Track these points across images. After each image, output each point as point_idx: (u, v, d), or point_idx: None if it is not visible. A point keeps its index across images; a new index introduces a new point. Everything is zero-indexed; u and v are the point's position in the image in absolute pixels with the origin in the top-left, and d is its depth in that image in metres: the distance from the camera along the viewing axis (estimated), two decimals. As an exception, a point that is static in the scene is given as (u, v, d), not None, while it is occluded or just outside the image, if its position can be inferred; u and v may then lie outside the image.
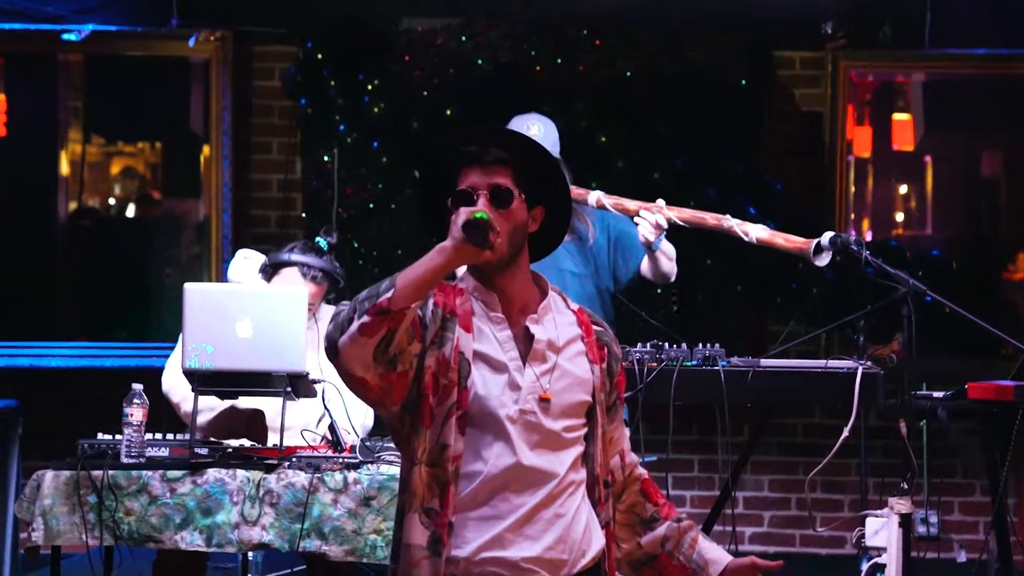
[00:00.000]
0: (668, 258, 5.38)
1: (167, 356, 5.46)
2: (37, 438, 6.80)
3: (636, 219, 5.26)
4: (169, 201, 9.06)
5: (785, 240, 5.05)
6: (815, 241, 4.95)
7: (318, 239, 5.34)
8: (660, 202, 5.25)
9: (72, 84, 8.72)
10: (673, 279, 5.52)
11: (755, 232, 5.12)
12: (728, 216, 5.19)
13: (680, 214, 5.23)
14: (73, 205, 8.71)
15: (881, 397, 4.93)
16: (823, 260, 4.97)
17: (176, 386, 5.11)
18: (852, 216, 8.07)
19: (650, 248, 5.28)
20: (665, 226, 5.21)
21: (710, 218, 5.25)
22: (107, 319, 8.38)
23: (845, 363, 4.99)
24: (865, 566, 5.32)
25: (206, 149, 8.26)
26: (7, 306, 8.34)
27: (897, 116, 8.76)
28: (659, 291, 7.19)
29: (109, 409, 5.20)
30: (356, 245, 7.72)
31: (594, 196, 5.37)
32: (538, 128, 5.55)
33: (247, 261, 5.52)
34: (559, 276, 5.49)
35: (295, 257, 5.27)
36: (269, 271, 5.30)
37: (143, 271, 8.54)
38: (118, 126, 8.99)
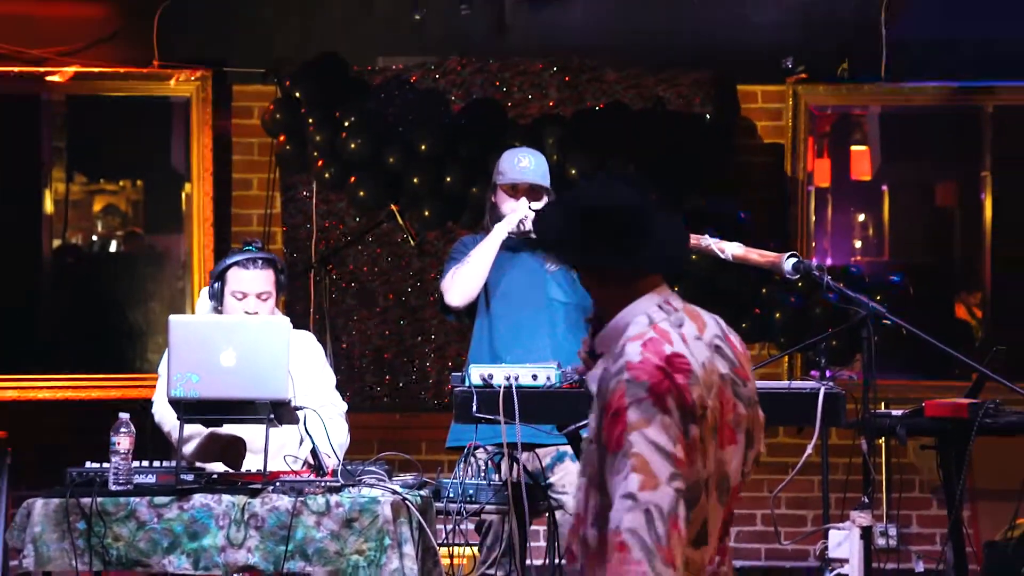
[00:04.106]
0: None
1: (151, 387, 5.49)
2: (25, 468, 6.81)
3: None
4: (151, 237, 9.08)
5: (759, 255, 5.12)
6: (786, 255, 5.02)
7: (245, 247, 5.40)
8: None
9: (55, 124, 8.73)
10: None
11: (731, 249, 5.17)
12: (706, 235, 5.26)
13: None
14: (57, 242, 8.72)
15: (843, 416, 4.97)
16: (792, 274, 5.04)
17: (166, 416, 5.15)
18: (813, 243, 8.14)
19: None
20: None
21: (691, 238, 5.31)
22: (92, 352, 8.38)
23: (808, 384, 5.03)
24: (829, 577, 5.39)
25: (187, 186, 8.29)
26: (-5, 340, 8.36)
27: (855, 147, 8.85)
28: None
29: (95, 439, 5.23)
30: (335, 277, 7.76)
31: None
32: (528, 160, 5.65)
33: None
34: (548, 305, 5.58)
35: (230, 259, 5.33)
36: (216, 288, 5.34)
37: (127, 305, 8.55)
38: (100, 165, 9.01)
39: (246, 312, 5.26)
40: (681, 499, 2.74)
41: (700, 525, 2.82)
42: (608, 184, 3.01)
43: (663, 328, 2.86)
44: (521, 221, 5.58)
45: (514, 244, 5.67)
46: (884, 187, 8.90)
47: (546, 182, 5.67)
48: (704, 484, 2.81)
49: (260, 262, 5.31)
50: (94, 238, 9.13)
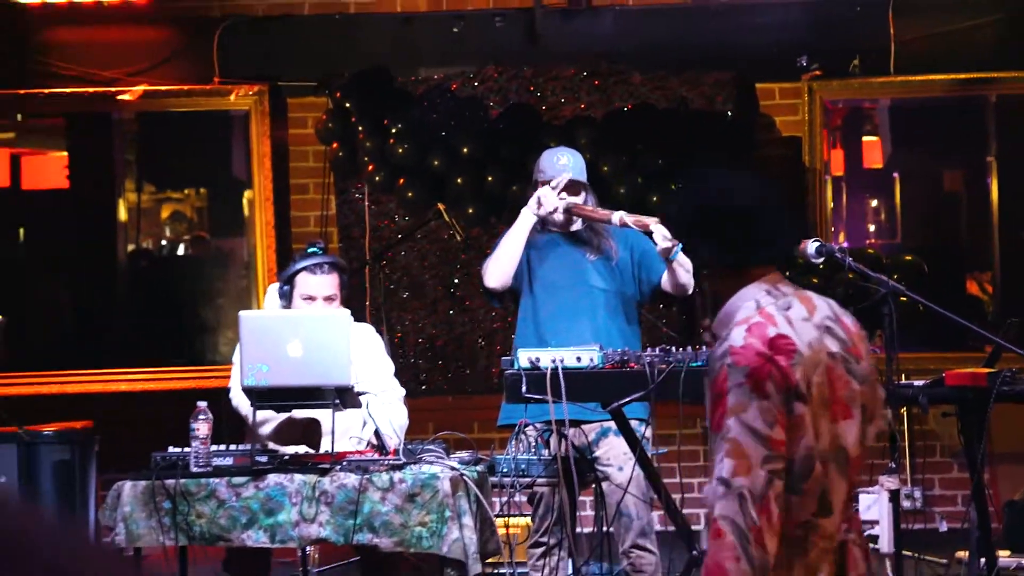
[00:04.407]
0: (685, 270, 5.39)
1: (223, 377, 5.50)
2: (111, 454, 6.84)
3: (652, 226, 5.26)
4: (216, 240, 9.11)
5: None
6: (809, 241, 4.96)
7: (310, 249, 5.39)
8: None
9: (126, 139, 8.77)
10: (690, 291, 5.52)
11: None
12: None
13: None
14: (131, 247, 8.76)
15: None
16: (816, 258, 4.98)
17: (242, 403, 5.16)
18: (832, 229, 8.10)
19: (668, 259, 5.30)
20: None
21: None
22: (167, 347, 8.42)
23: (834, 358, 4.97)
24: (859, 539, 5.34)
25: (248, 192, 8.31)
26: (79, 338, 8.40)
27: (867, 138, 8.80)
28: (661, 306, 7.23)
29: (175, 426, 5.24)
30: (388, 272, 7.77)
31: (616, 216, 5.36)
32: (567, 158, 5.62)
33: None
34: (588, 292, 5.55)
35: (299, 264, 5.33)
36: (286, 290, 5.34)
37: (197, 303, 8.58)
38: (168, 175, 9.05)
39: None
40: (775, 480, 2.72)
41: (819, 495, 2.80)
42: (723, 182, 3.02)
43: (769, 312, 2.84)
44: (539, 199, 5.52)
45: (556, 235, 5.65)
46: (895, 174, 8.85)
47: (583, 177, 5.65)
48: (818, 456, 2.79)
49: (327, 267, 5.31)
50: (163, 242, 9.17)
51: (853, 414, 2.85)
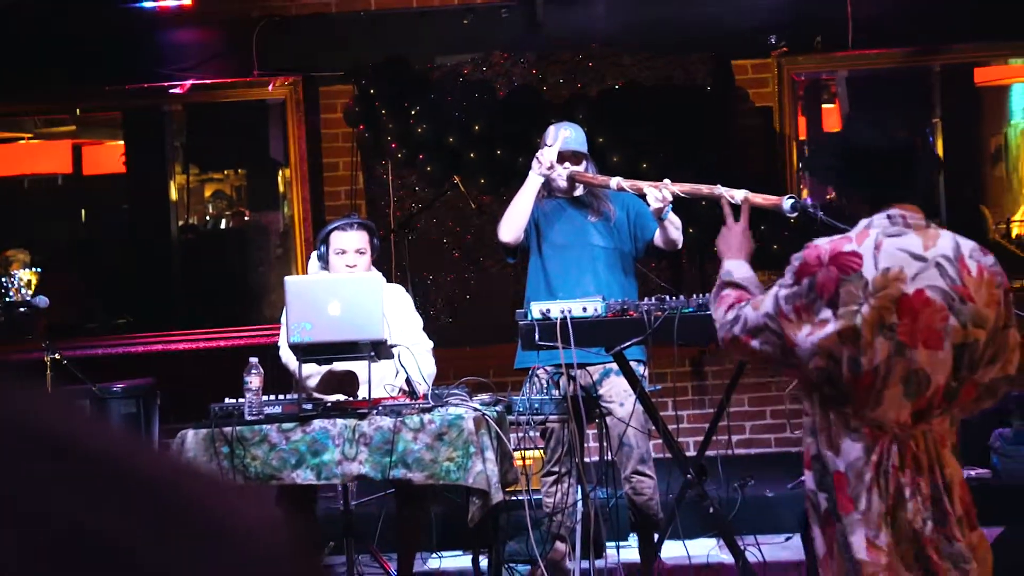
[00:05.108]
0: (675, 227, 5.36)
1: (268, 336, 5.46)
2: (170, 407, 6.82)
3: (645, 189, 5.19)
4: (255, 215, 9.06)
5: (763, 199, 4.91)
6: (784, 198, 4.88)
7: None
8: (666, 180, 5.22)
9: (175, 128, 8.71)
10: (680, 246, 5.48)
11: (739, 195, 4.97)
12: (718, 185, 5.07)
13: (681, 187, 5.14)
14: (181, 223, 8.72)
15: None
16: (791, 212, 4.90)
17: (291, 359, 5.13)
18: (800, 186, 8.06)
19: (660, 218, 5.25)
20: (670, 198, 5.17)
21: (704, 188, 5.11)
22: (216, 310, 8.39)
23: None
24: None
25: (285, 172, 8.25)
26: (140, 305, 8.37)
27: (825, 106, 8.72)
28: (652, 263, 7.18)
29: (227, 380, 5.20)
30: (411, 238, 7.71)
31: (614, 181, 5.32)
32: (570, 132, 5.56)
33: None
34: (590, 250, 5.50)
35: (331, 226, 5.30)
36: (322, 250, 5.30)
37: (241, 270, 8.55)
38: (212, 159, 8.99)
39: (347, 266, 5.22)
40: (763, 332, 2.89)
41: (827, 382, 2.82)
42: (862, 127, 3.01)
43: (866, 232, 2.84)
44: (538, 158, 5.46)
45: (561, 200, 5.60)
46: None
47: (584, 149, 5.61)
48: (837, 356, 2.78)
49: (356, 225, 5.28)
50: (207, 218, 9.12)
51: (943, 346, 2.77)
